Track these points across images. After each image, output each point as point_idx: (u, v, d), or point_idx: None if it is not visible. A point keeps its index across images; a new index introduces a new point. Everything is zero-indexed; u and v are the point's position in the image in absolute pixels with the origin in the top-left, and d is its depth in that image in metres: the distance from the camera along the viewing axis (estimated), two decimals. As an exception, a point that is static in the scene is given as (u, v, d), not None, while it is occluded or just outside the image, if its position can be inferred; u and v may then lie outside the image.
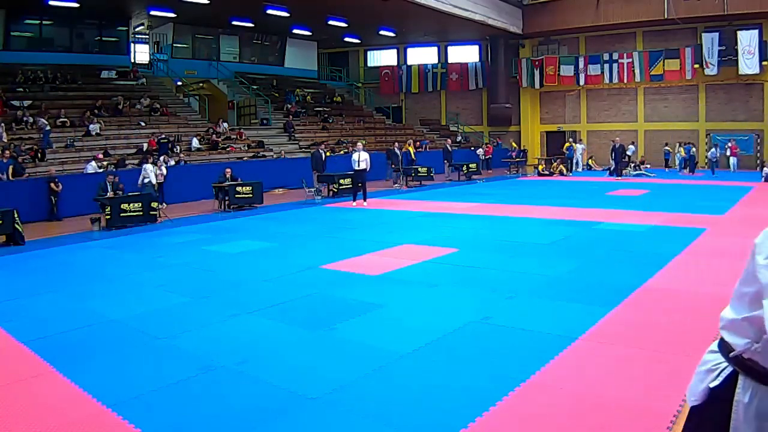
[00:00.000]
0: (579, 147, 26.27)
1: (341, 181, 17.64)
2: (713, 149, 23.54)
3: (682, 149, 23.78)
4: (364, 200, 15.47)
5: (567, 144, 26.31)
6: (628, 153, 23.98)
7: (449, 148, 22.94)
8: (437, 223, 11.59)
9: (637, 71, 26.05)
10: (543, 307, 5.80)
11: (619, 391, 3.83)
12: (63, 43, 22.23)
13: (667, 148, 25.15)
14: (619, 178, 21.04)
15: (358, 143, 16.83)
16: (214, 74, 26.51)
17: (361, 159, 15.43)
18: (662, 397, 3.66)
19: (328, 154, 19.53)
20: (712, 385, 1.73)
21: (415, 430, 3.43)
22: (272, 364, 4.54)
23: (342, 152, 22.88)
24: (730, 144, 23.61)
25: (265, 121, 25.00)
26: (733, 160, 23.25)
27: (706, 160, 23.97)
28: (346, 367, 4.39)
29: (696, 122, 26.07)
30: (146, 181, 14.65)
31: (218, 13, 23.12)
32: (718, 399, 1.70)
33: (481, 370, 4.24)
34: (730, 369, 1.69)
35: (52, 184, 13.90)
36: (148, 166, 14.99)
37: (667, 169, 24.44)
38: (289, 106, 26.11)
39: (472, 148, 28.13)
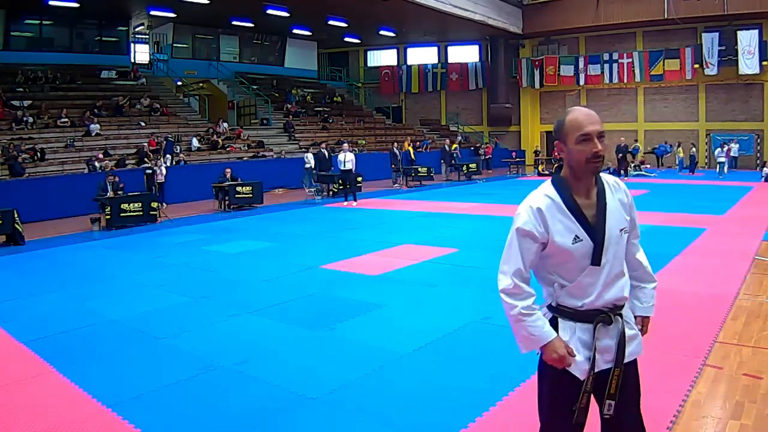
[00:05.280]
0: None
1: (341, 181, 17.63)
2: (721, 148, 21.84)
3: (680, 149, 23.70)
4: (354, 200, 15.60)
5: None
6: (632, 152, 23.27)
7: (447, 148, 22.38)
8: (437, 223, 11.59)
9: (637, 71, 26.02)
10: (543, 307, 5.78)
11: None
12: (63, 43, 22.22)
13: (680, 149, 23.95)
14: (625, 178, 20.96)
15: (344, 144, 17.22)
16: (214, 74, 26.49)
17: (347, 160, 15.67)
18: (661, 396, 3.66)
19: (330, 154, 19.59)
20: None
21: (415, 430, 3.43)
22: (272, 364, 4.54)
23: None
24: (732, 145, 23.34)
25: (265, 121, 24.99)
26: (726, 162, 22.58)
27: (705, 161, 23.71)
28: (346, 367, 4.39)
29: (696, 122, 26.04)
30: (307, 166, 15.53)
31: (218, 13, 23.11)
32: None
33: (481, 370, 4.24)
34: (550, 315, 2.17)
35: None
36: (309, 155, 16.03)
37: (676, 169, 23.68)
38: (289, 106, 26.10)
39: (472, 148, 28.17)
